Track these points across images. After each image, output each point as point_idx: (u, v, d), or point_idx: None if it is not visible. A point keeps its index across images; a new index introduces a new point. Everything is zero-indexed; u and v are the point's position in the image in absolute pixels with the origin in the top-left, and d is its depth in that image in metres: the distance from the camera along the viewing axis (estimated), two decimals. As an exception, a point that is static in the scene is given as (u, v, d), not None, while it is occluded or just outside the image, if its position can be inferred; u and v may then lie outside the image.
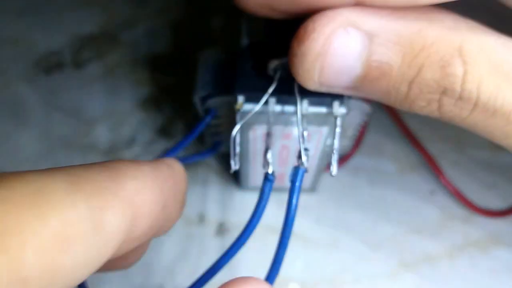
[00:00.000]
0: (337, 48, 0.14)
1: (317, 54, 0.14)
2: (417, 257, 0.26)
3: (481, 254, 0.26)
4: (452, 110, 0.15)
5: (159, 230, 0.15)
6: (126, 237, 0.12)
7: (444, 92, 0.14)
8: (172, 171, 0.15)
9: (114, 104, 0.31)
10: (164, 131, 0.30)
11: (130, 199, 0.12)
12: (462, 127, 0.16)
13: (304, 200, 0.27)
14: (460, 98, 0.14)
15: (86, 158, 0.29)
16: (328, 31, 0.14)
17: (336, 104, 0.18)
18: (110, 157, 0.29)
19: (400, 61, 0.14)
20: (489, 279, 0.25)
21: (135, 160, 0.14)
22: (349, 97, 0.19)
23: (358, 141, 0.29)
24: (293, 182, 0.16)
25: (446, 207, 0.28)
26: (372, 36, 0.14)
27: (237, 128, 0.18)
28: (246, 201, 0.28)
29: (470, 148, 0.30)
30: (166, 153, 0.22)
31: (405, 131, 0.29)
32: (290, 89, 0.18)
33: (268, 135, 0.18)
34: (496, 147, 0.30)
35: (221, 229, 0.27)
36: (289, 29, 0.17)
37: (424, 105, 0.15)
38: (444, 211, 0.27)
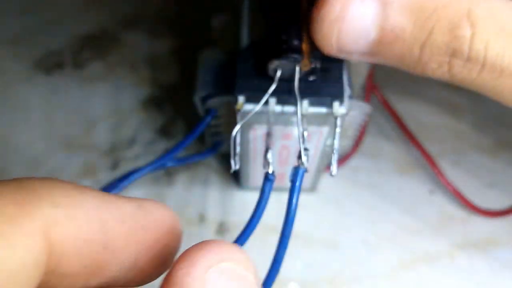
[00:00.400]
0: (353, 13, 0.15)
1: (335, 19, 0.15)
2: (416, 257, 0.26)
3: (480, 253, 0.26)
4: (461, 72, 0.15)
5: (117, 277, 0.13)
6: (47, 272, 0.11)
7: (454, 53, 0.15)
8: (143, 214, 0.13)
9: (114, 104, 0.31)
10: (164, 131, 0.30)
11: (39, 230, 0.11)
12: (473, 89, 0.16)
13: (304, 200, 0.27)
14: (469, 59, 0.15)
15: (87, 158, 0.29)
16: None
17: (336, 104, 0.18)
18: (111, 157, 0.29)
19: (412, 25, 0.15)
20: (488, 278, 0.26)
21: (75, 184, 0.12)
22: (350, 97, 0.19)
23: (358, 141, 0.29)
24: (293, 182, 0.16)
25: (446, 207, 0.28)
26: (386, 2, 0.15)
27: (237, 128, 0.18)
28: (246, 201, 0.28)
29: (470, 149, 0.30)
30: (166, 153, 0.22)
31: (404, 132, 0.29)
32: (290, 89, 0.18)
33: (268, 135, 0.18)
34: (494, 148, 0.30)
35: (221, 229, 0.27)
36: (288, 30, 0.17)
37: (436, 67, 0.16)
38: (444, 211, 0.27)
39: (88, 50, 0.33)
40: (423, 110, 0.31)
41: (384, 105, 0.29)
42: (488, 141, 0.30)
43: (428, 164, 0.28)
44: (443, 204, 0.28)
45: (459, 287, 0.25)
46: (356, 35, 0.16)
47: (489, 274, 0.26)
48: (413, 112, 0.30)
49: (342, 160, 0.29)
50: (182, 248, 0.27)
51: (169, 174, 0.28)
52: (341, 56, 0.17)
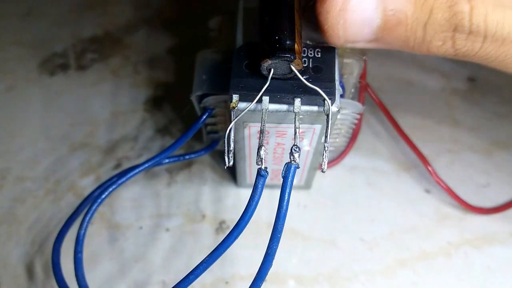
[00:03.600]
0: (355, 3, 0.16)
1: (339, 11, 0.16)
2: (413, 255, 0.26)
3: (475, 251, 0.26)
4: (465, 45, 0.16)
5: None
6: None
7: (456, 29, 0.16)
8: None
9: (116, 105, 0.31)
10: (165, 130, 0.30)
11: None
12: (477, 62, 0.17)
13: (302, 199, 0.28)
14: (470, 32, 0.16)
15: (89, 157, 0.29)
16: None
17: (327, 102, 0.19)
18: (111, 157, 0.29)
19: (413, 7, 0.16)
20: (484, 276, 0.26)
21: None
22: (341, 95, 0.19)
23: (353, 139, 0.29)
24: (285, 178, 0.17)
25: (441, 205, 0.28)
26: None
27: (231, 125, 0.18)
28: (246, 198, 0.28)
29: (464, 148, 0.30)
30: (163, 151, 0.23)
31: (400, 132, 0.29)
32: (282, 88, 0.18)
33: (261, 132, 0.19)
34: (489, 148, 0.30)
35: (222, 226, 0.27)
36: (281, 30, 0.18)
37: (440, 44, 0.16)
38: (439, 210, 0.28)
39: (91, 52, 0.34)
40: (417, 110, 0.31)
41: (379, 105, 0.29)
42: (482, 141, 0.30)
43: (424, 164, 0.28)
44: (439, 203, 0.28)
45: (456, 285, 0.26)
46: (361, 24, 0.16)
47: (485, 272, 0.26)
48: (408, 112, 0.31)
49: (337, 158, 0.29)
50: (179, 244, 0.27)
51: (169, 172, 0.29)
52: (347, 46, 0.17)
